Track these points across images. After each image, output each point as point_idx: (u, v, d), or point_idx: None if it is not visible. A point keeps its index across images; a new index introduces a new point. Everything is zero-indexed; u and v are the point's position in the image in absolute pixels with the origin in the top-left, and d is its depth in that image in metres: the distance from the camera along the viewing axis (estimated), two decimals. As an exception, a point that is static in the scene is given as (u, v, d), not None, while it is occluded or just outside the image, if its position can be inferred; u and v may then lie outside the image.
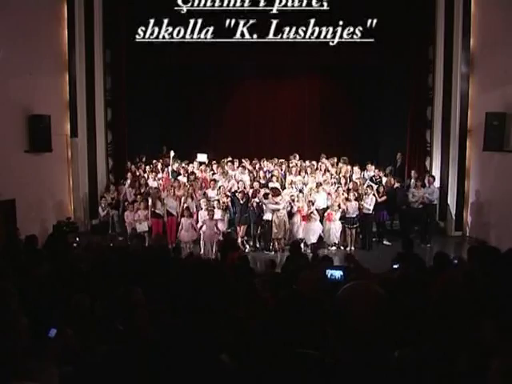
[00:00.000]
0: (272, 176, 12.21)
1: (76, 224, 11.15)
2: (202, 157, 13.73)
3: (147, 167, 13.11)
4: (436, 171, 12.60)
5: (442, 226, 12.32)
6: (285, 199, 10.96)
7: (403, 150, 13.51)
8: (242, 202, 10.93)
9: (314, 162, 13.25)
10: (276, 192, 10.99)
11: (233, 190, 11.61)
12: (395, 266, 6.25)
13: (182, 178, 12.39)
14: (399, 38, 12.90)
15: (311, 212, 10.74)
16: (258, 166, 13.27)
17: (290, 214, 10.99)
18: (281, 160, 13.57)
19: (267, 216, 10.80)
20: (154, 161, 13.65)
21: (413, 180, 12.01)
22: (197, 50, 13.34)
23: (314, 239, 10.74)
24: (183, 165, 13.46)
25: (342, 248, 11.11)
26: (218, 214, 10.74)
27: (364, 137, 15.63)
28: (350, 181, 12.04)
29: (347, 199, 11.06)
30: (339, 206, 10.96)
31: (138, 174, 12.89)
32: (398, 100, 13.95)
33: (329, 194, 11.40)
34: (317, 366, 1.60)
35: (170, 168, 13.16)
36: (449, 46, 12.01)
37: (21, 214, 9.77)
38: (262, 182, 11.95)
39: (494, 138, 10.46)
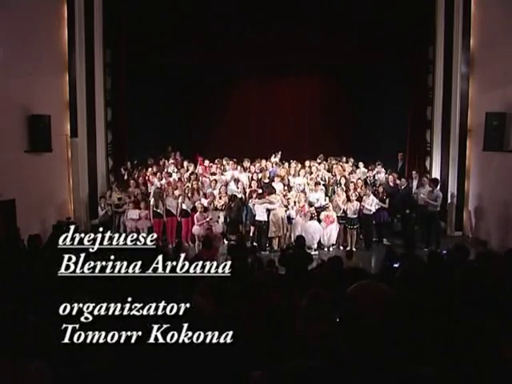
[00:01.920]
0: (274, 176, 12.22)
1: (76, 224, 11.15)
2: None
3: (149, 168, 13.11)
4: (436, 171, 12.60)
5: (442, 226, 12.31)
6: (278, 198, 10.95)
7: (403, 150, 13.52)
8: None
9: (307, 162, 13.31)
10: (270, 191, 10.97)
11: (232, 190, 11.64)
12: (396, 265, 6.26)
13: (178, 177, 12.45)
14: (399, 38, 12.92)
15: (309, 211, 10.77)
16: (259, 166, 13.25)
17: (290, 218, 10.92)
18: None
19: (260, 217, 10.71)
20: (169, 161, 13.66)
21: (415, 182, 11.99)
22: (197, 49, 13.38)
23: (314, 241, 10.72)
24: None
25: (341, 248, 11.10)
26: (215, 215, 10.83)
27: (364, 137, 15.64)
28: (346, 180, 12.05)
29: (348, 200, 11.07)
30: (337, 207, 10.95)
31: (126, 177, 12.83)
32: (398, 100, 13.96)
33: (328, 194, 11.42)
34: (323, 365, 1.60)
35: (166, 168, 13.18)
36: (449, 46, 12.01)
37: (21, 214, 9.77)
38: (266, 181, 11.95)
39: (494, 138, 10.45)
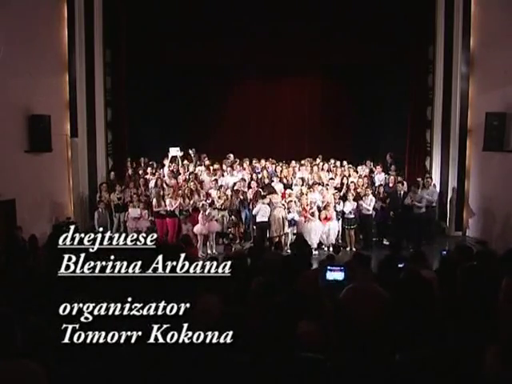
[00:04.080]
0: (273, 176, 12.22)
1: (76, 224, 11.12)
2: (174, 150, 13.44)
3: (149, 168, 13.09)
4: (436, 171, 12.61)
5: (442, 225, 12.32)
6: (279, 197, 10.93)
7: (403, 150, 13.50)
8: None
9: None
10: (270, 190, 10.95)
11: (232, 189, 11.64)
12: (400, 266, 6.24)
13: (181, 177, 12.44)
14: (399, 38, 12.92)
15: (312, 212, 10.76)
16: (259, 166, 13.24)
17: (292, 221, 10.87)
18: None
19: (262, 217, 10.66)
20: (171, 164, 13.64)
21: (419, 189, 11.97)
22: (197, 49, 13.38)
23: (315, 240, 10.71)
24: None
25: (341, 248, 11.09)
26: (215, 214, 10.80)
27: (364, 137, 15.62)
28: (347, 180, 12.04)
29: (346, 199, 11.06)
30: (329, 205, 10.93)
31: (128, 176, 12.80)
32: (398, 100, 13.95)
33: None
34: (319, 367, 1.60)
35: (165, 168, 13.15)
36: (449, 46, 12.03)
37: (21, 214, 9.77)
38: (266, 181, 11.94)
39: (493, 138, 10.46)
